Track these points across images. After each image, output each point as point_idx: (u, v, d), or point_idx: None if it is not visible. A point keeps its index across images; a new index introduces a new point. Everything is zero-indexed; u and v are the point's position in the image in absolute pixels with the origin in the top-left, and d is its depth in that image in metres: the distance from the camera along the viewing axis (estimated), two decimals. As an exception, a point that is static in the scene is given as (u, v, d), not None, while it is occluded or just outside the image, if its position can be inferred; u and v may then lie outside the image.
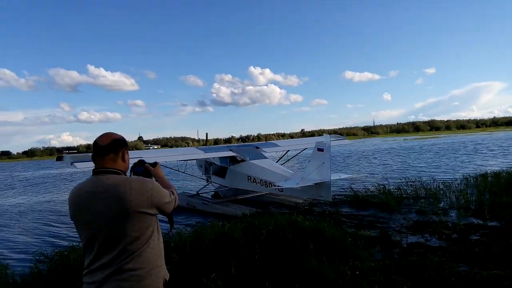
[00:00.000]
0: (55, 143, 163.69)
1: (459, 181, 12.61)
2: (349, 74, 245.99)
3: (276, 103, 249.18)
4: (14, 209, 15.77)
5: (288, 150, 14.04)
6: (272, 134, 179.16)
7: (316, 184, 9.11)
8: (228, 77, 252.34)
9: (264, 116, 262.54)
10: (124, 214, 1.86)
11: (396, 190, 11.41)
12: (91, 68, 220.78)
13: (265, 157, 12.14)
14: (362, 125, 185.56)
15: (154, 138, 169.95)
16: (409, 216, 8.62)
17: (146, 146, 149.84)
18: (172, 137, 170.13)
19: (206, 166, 13.64)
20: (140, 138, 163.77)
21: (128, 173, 2.21)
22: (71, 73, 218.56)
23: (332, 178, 9.20)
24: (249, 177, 11.29)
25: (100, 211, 1.87)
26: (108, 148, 2.03)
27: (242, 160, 11.77)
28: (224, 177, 12.51)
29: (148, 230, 1.96)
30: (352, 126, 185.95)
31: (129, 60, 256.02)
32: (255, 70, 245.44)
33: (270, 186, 10.42)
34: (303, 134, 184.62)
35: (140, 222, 1.91)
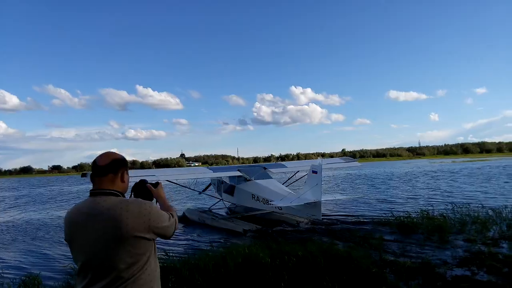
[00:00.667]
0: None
1: (510, 208, 11.78)
2: (393, 93, 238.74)
3: (317, 122, 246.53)
4: (53, 222, 16.31)
5: (297, 171, 14.53)
6: (312, 154, 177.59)
7: (309, 203, 9.71)
8: (270, 96, 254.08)
9: (304, 135, 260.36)
10: (120, 239, 1.78)
11: (441, 216, 10.83)
12: (140, 88, 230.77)
13: (270, 177, 12.86)
14: (407, 146, 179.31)
15: (196, 155, 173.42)
16: (455, 243, 8.09)
17: (187, 163, 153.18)
18: (213, 154, 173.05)
19: (218, 185, 14.58)
20: (182, 155, 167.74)
21: (128, 194, 2.17)
22: (121, 93, 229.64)
23: (328, 198, 10.44)
24: (253, 196, 12.09)
25: (95, 235, 1.79)
26: (107, 168, 1.96)
27: (249, 180, 12.60)
28: (233, 195, 13.40)
29: (145, 256, 1.87)
30: (397, 147, 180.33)
31: (175, 81, 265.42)
32: (296, 90, 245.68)
33: (270, 204, 11.01)
34: (344, 154, 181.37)
35: (136, 247, 1.82)
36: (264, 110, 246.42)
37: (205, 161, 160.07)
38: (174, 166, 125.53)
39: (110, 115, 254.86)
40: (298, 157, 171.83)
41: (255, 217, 12.61)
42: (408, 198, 17.82)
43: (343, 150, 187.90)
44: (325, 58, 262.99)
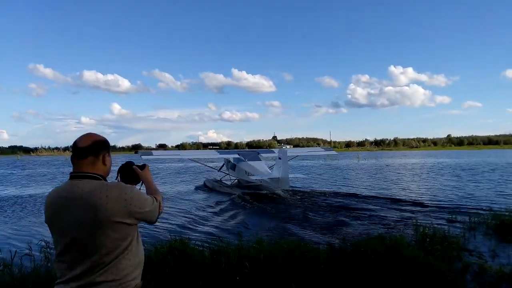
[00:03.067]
0: (202, 139, 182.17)
1: None
2: (510, 72, 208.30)
3: (419, 105, 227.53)
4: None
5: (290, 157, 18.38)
6: (412, 139, 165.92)
7: (273, 178, 14.88)
8: (365, 77, 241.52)
9: (403, 119, 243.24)
10: (99, 224, 1.73)
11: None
12: (235, 71, 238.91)
13: (259, 160, 17.80)
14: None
15: (288, 138, 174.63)
16: None
17: (279, 145, 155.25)
18: (304, 137, 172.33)
19: (227, 164, 20.03)
20: (274, 137, 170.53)
21: (114, 176, 2.11)
22: (218, 76, 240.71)
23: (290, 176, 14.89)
24: (246, 172, 17.15)
25: (74, 220, 1.75)
26: (88, 150, 1.88)
27: (243, 161, 17.64)
28: (234, 170, 18.62)
29: (126, 241, 1.83)
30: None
31: (269, 64, 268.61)
32: (395, 70, 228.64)
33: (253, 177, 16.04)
34: (450, 140, 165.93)
35: (116, 232, 1.78)
36: (359, 92, 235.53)
37: (297, 144, 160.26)
38: (266, 148, 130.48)
39: (208, 97, 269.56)
40: (395, 142, 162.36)
41: (251, 187, 16.83)
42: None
43: (448, 135, 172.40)
44: (428, 34, 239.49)
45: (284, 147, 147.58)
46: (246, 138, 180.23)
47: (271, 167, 16.92)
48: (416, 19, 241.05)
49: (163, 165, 44.03)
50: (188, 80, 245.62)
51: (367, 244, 5.49)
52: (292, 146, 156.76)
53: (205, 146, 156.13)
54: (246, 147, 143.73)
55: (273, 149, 21.36)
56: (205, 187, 19.63)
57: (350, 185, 20.54)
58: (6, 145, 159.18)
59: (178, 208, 13.45)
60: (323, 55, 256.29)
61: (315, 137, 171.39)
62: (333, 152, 23.59)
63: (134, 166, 2.28)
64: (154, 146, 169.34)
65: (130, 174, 2.26)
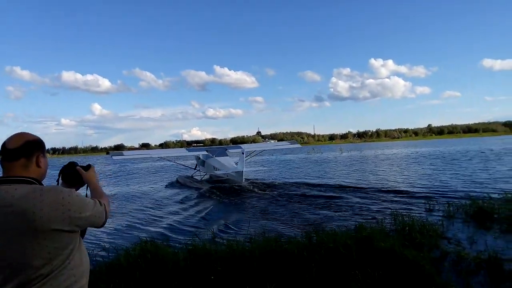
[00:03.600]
0: (186, 137, 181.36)
1: None
2: (488, 62, 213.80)
3: (400, 96, 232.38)
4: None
5: (251, 152, 21.33)
6: (394, 130, 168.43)
7: (239, 172, 16.28)
8: (347, 70, 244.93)
9: (385, 111, 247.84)
10: (34, 233, 1.54)
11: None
12: (217, 68, 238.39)
13: (226, 155, 19.13)
14: (503, 120, 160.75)
15: (272, 133, 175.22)
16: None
17: (263, 140, 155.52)
18: (289, 132, 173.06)
19: (197, 160, 21.31)
20: (258, 133, 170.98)
21: (46, 179, 1.88)
22: (200, 74, 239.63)
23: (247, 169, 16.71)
24: (214, 167, 18.34)
25: (4, 229, 1.54)
26: (18, 151, 1.69)
27: (211, 157, 18.91)
28: (204, 166, 19.94)
29: (66, 250, 1.64)
30: (491, 121, 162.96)
31: (250, 59, 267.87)
32: (376, 62, 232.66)
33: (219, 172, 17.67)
34: (430, 129, 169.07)
35: (54, 242, 1.59)
36: (341, 85, 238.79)
37: (281, 138, 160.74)
38: (250, 143, 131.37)
39: (191, 95, 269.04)
40: (377, 134, 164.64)
41: (219, 181, 17.79)
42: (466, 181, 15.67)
43: (429, 125, 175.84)
44: (406, 26, 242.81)
45: (268, 142, 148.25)
46: (230, 135, 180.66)
47: (237, 162, 17.64)
48: (394, 11, 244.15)
49: (144, 165, 43.62)
50: (169, 78, 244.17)
51: (337, 236, 5.37)
52: (276, 141, 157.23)
53: (189, 143, 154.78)
54: (231, 143, 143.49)
55: (240, 145, 22.59)
56: (178, 183, 20.45)
57: (328, 176, 20.75)
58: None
59: (147, 207, 13.54)
60: (305, 50, 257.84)
61: (299, 131, 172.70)
62: (298, 145, 25.92)
63: (77, 167, 2.09)
64: (137, 146, 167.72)
65: (73, 175, 2.07)
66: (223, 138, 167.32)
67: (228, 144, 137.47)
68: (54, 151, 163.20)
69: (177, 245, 6.84)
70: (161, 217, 11.38)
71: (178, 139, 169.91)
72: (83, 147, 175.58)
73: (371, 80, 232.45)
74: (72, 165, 2.10)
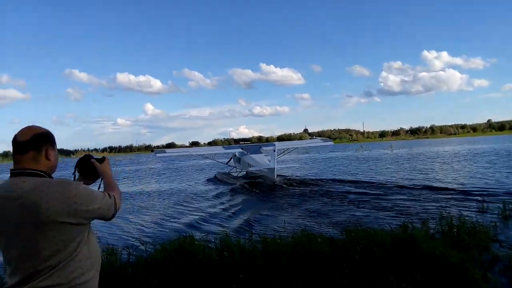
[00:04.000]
0: (234, 135, 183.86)
1: None
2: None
3: (456, 89, 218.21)
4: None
5: (284, 150, 22.03)
6: (450, 126, 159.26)
7: (270, 168, 17.30)
8: (398, 64, 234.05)
9: (440, 105, 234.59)
10: (40, 225, 1.58)
11: None
12: (263, 65, 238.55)
13: (260, 153, 19.66)
14: None
15: (319, 130, 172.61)
16: None
17: (310, 138, 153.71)
18: (336, 129, 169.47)
19: (233, 157, 22.22)
20: (305, 130, 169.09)
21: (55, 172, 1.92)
22: (247, 72, 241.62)
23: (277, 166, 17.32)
24: (249, 164, 19.54)
25: (13, 221, 1.60)
26: (28, 144, 1.72)
27: (246, 154, 19.82)
28: (239, 163, 21.06)
29: (73, 242, 1.67)
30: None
31: (296, 56, 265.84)
32: (429, 54, 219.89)
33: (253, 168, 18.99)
34: (490, 125, 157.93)
35: (61, 234, 1.62)
36: (392, 80, 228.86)
37: (329, 135, 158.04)
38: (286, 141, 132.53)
39: (238, 93, 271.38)
40: (432, 130, 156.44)
41: (254, 177, 18.95)
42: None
43: (488, 120, 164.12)
44: (461, 16, 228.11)
45: (314, 139, 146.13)
46: (277, 132, 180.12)
47: (269, 160, 18.44)
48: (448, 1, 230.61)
49: (191, 163, 44.92)
50: (217, 77, 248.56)
51: (373, 236, 5.06)
52: (323, 139, 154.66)
53: (237, 141, 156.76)
54: (277, 141, 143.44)
55: (272, 143, 22.99)
56: (216, 179, 21.83)
57: (372, 174, 20.09)
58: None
59: (185, 201, 14.29)
60: (352, 44, 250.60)
61: (347, 128, 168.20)
62: (331, 143, 27.78)
63: (92, 160, 2.13)
64: (187, 144, 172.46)
65: (88, 168, 2.12)
66: (269, 135, 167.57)
67: (274, 142, 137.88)
68: (111, 149, 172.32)
69: (211, 240, 6.86)
70: (197, 212, 11.72)
71: (226, 137, 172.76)
72: (137, 146, 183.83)
73: (424, 73, 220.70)
74: (87, 158, 2.14)
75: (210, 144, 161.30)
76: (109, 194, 1.86)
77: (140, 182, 25.10)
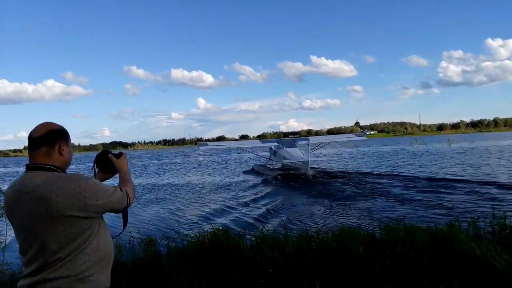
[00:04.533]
0: (283, 128, 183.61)
1: None
2: None
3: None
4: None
5: (318, 144, 23.35)
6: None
7: (304, 161, 18.79)
8: (459, 53, 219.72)
9: (505, 97, 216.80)
10: (51, 218, 1.65)
11: None
12: (314, 58, 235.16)
13: (295, 146, 20.97)
14: None
15: (372, 123, 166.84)
16: None
17: (362, 131, 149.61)
18: (390, 122, 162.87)
19: (270, 151, 23.74)
20: (357, 123, 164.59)
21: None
22: (297, 65, 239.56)
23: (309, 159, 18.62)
24: (284, 157, 20.69)
25: (26, 214, 1.69)
26: (41, 140, 1.78)
27: (281, 148, 21.19)
28: (275, 156, 22.39)
29: (83, 235, 1.74)
30: None
31: (348, 47, 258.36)
32: (494, 43, 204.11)
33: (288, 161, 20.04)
34: None
35: (71, 227, 1.69)
36: (452, 70, 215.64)
37: (382, 129, 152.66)
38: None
39: (288, 86, 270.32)
40: (495, 122, 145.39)
41: (288, 169, 20.48)
42: None
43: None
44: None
45: (368, 133, 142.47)
46: (327, 126, 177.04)
47: (303, 153, 20.05)
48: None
49: (237, 156, 45.60)
50: (267, 71, 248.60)
51: (410, 235, 4.72)
52: (376, 132, 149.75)
53: (286, 135, 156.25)
54: (327, 134, 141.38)
55: (307, 137, 25.84)
56: (253, 171, 23.78)
57: (421, 169, 19.21)
58: (108, 141, 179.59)
59: (221, 194, 14.81)
60: (408, 33, 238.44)
61: (402, 121, 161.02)
62: (364, 138, 27.51)
63: (109, 155, 2.20)
64: (237, 137, 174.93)
65: (106, 162, 2.19)
66: (319, 129, 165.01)
67: (324, 135, 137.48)
68: (165, 142, 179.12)
69: (246, 233, 6.86)
70: (233, 205, 11.93)
71: (275, 131, 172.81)
72: (189, 139, 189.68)
73: (488, 63, 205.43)
74: (105, 153, 2.21)
75: (259, 137, 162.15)
76: (120, 188, 1.93)
77: (187, 173, 26.00)
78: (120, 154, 2.22)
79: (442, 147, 42.69)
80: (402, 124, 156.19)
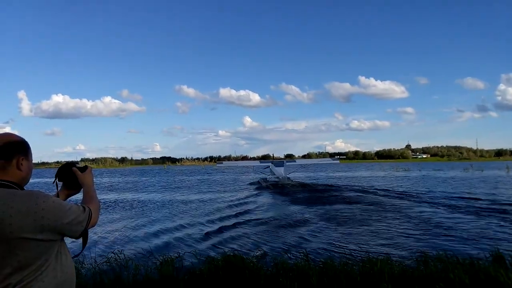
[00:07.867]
0: (330, 149, 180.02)
1: None
2: None
3: None
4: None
5: (308, 164, 35.61)
6: None
7: (284, 177, 27.30)
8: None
9: None
10: (4, 240, 1.45)
11: None
12: (362, 78, 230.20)
13: (282, 166, 28.84)
14: None
15: (424, 146, 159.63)
16: None
17: (413, 155, 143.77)
18: (444, 146, 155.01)
19: (268, 168, 30.66)
20: (408, 146, 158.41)
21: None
22: (344, 85, 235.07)
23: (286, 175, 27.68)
24: (273, 173, 28.79)
25: None
26: None
27: (273, 166, 29.40)
28: (270, 173, 29.78)
29: (39, 260, 1.52)
30: None
31: (399, 68, 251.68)
32: None
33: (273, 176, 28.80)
34: None
35: (25, 250, 1.48)
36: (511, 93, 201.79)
37: (435, 153, 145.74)
38: (398, 157, 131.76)
39: (334, 107, 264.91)
40: None
41: (275, 181, 27.60)
42: None
43: None
44: None
45: (419, 156, 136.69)
46: (376, 147, 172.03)
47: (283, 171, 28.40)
48: None
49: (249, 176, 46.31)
50: (314, 91, 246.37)
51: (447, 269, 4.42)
52: (429, 155, 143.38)
53: (332, 155, 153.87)
54: (375, 157, 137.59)
55: (295, 159, 36.82)
56: (258, 183, 29.90)
57: (469, 196, 18.00)
58: (158, 156, 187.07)
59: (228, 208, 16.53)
60: (463, 54, 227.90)
61: (457, 145, 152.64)
62: (337, 162, 38.39)
63: (74, 168, 1.95)
64: (282, 156, 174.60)
65: (69, 176, 1.95)
66: (367, 150, 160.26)
67: (373, 158, 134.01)
68: (211, 158, 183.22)
69: (264, 259, 6.76)
70: (242, 225, 12.06)
71: (321, 151, 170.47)
72: (235, 156, 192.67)
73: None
74: (69, 165, 1.96)
75: (304, 157, 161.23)
76: (84, 207, 1.72)
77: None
78: (86, 167, 2.00)
79: (500, 175, 40.11)
80: (457, 148, 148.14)
